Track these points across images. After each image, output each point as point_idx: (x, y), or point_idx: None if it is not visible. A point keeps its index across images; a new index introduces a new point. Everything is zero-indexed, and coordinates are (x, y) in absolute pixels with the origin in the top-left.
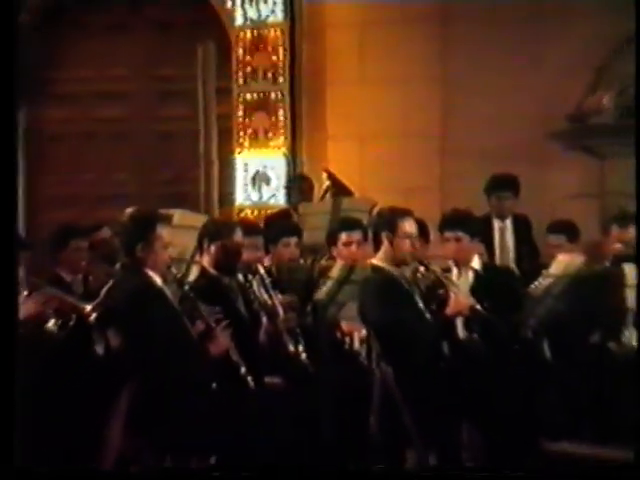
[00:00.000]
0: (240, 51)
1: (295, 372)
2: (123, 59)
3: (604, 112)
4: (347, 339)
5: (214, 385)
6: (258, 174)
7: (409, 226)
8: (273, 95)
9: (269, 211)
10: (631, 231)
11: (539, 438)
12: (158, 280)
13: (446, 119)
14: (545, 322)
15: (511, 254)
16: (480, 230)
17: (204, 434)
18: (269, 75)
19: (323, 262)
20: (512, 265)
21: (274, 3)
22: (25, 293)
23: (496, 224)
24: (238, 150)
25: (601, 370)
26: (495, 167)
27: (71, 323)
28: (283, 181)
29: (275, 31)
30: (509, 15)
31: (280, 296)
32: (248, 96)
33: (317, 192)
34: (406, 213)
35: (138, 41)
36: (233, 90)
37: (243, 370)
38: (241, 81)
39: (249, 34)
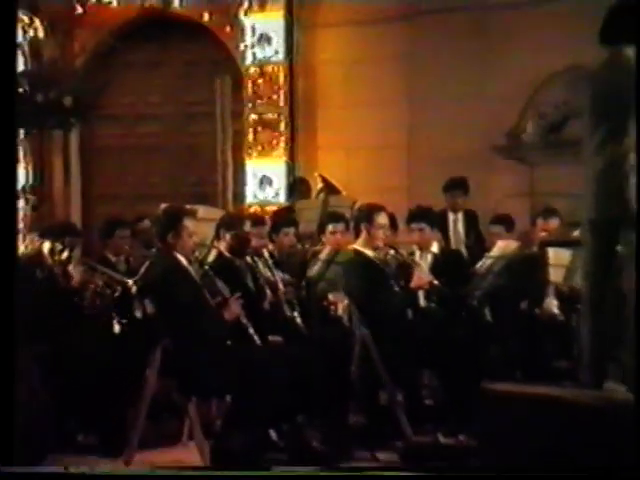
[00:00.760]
0: (250, 83)
1: (291, 332)
2: (157, 88)
3: (533, 131)
4: (333, 307)
5: (228, 342)
6: (264, 178)
7: (382, 219)
8: (275, 116)
9: (272, 208)
10: (553, 222)
11: (481, 380)
12: (184, 261)
13: (412, 133)
14: (487, 293)
15: (462, 240)
16: (438, 222)
17: (220, 379)
18: (272, 100)
19: (315, 247)
20: (463, 249)
21: (276, 46)
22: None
23: (450, 217)
24: (248, 159)
25: (528, 329)
26: (450, 172)
27: (116, 294)
28: (284, 183)
29: (277, 67)
30: (465, 49)
31: (280, 274)
32: (256, 117)
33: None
34: (380, 208)
35: (169, 74)
36: (244, 112)
37: (251, 330)
38: (250, 105)
39: (257, 70)
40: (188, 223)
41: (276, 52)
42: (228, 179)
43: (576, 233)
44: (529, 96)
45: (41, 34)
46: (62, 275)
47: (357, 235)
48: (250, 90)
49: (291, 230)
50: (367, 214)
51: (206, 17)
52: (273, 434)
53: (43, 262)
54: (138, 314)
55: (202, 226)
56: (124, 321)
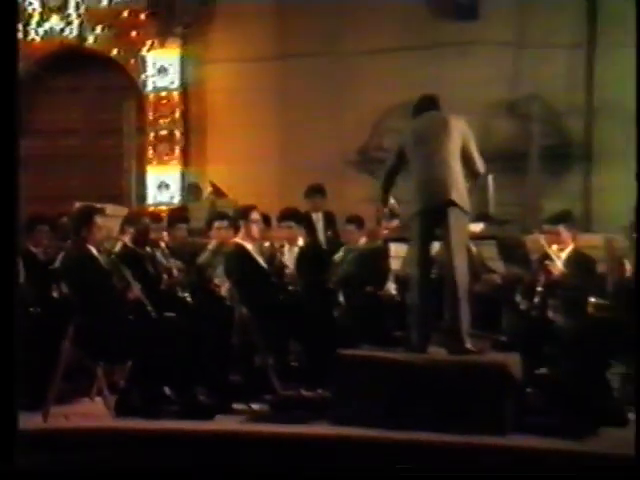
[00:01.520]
0: (150, 106)
1: (183, 309)
2: (75, 108)
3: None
4: (217, 289)
5: (130, 317)
6: (162, 183)
7: (255, 216)
8: (172, 133)
9: (169, 208)
10: (394, 222)
11: (336, 347)
12: (95, 251)
13: (282, 149)
14: (341, 278)
15: (322, 236)
16: (303, 221)
17: (123, 347)
18: (169, 121)
19: (203, 240)
20: (323, 243)
21: (172, 77)
22: None
23: (313, 217)
24: (149, 167)
25: (373, 307)
26: (312, 181)
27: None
28: (178, 188)
29: (173, 94)
30: (325, 84)
31: (174, 262)
32: (155, 133)
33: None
34: (253, 207)
35: (85, 97)
36: (146, 129)
37: (149, 308)
38: (151, 122)
39: (156, 95)
40: (98, 219)
41: (172, 82)
42: (132, 183)
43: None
44: (374, 123)
45: None
46: None
47: (236, 231)
48: (151, 112)
49: (184, 226)
50: (243, 212)
51: (115, 52)
52: (167, 390)
53: None
54: (55, 294)
55: (110, 222)
56: (44, 300)
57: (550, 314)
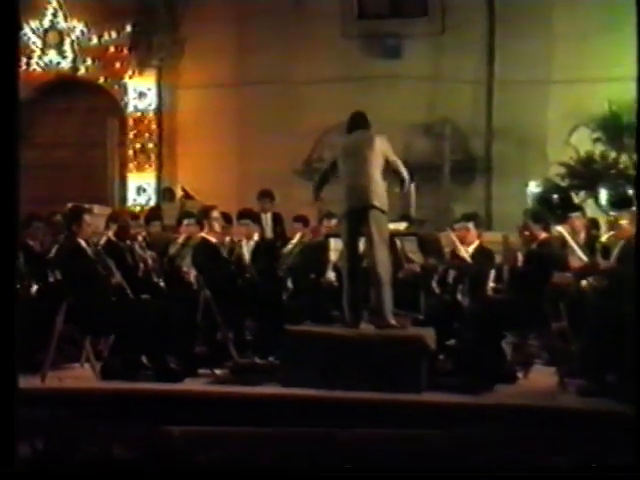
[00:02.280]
0: (131, 122)
1: (157, 292)
2: (67, 125)
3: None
4: (186, 276)
5: (113, 299)
6: (140, 187)
7: (215, 214)
8: (149, 146)
9: (146, 208)
10: (333, 221)
11: (283, 323)
12: (84, 244)
13: (240, 160)
14: (289, 268)
15: (269, 233)
16: (258, 220)
17: (107, 323)
18: (146, 136)
19: (174, 235)
20: (272, 238)
21: (150, 100)
22: None
23: (263, 217)
24: (129, 174)
25: (315, 291)
26: (265, 185)
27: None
28: (154, 191)
29: (150, 114)
30: (276, 106)
31: (150, 252)
32: (135, 146)
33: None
34: (213, 207)
35: (76, 116)
36: (127, 143)
37: (128, 291)
38: (132, 137)
39: (136, 115)
40: (86, 217)
41: (149, 104)
42: (115, 188)
43: None
44: (316, 139)
45: None
46: None
47: (202, 227)
48: (131, 129)
49: (158, 223)
50: (206, 212)
51: (102, 79)
52: (143, 358)
53: None
54: (51, 279)
55: (96, 220)
56: (40, 284)
57: (458, 296)
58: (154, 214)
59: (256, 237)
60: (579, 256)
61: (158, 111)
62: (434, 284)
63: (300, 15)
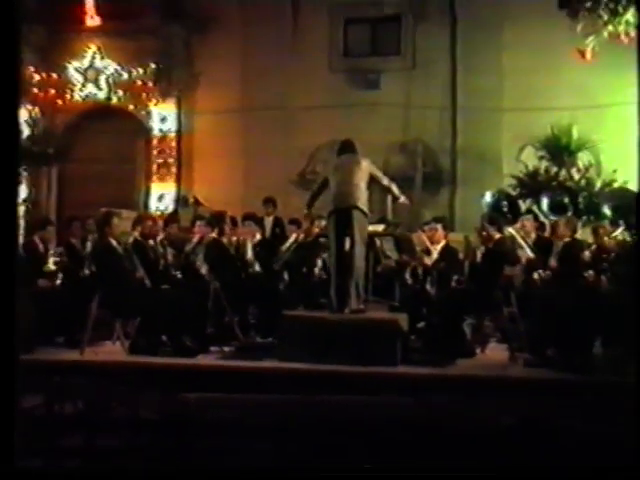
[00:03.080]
0: (155, 142)
1: (175, 283)
2: (102, 144)
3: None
4: (199, 270)
5: (138, 288)
6: (161, 195)
7: (226, 219)
8: (170, 161)
9: (166, 213)
10: (322, 224)
11: (281, 308)
12: (114, 242)
13: (246, 172)
14: (285, 262)
15: (269, 234)
16: (260, 223)
17: (134, 309)
18: (167, 153)
19: (189, 235)
20: (271, 238)
21: (171, 124)
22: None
23: (266, 220)
24: (152, 184)
25: (306, 282)
26: (266, 194)
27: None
28: (172, 199)
29: (171, 135)
30: (276, 128)
31: (169, 250)
32: (158, 161)
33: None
34: (225, 213)
35: (110, 136)
36: (152, 158)
37: (147, 282)
38: (155, 154)
39: (160, 136)
40: (116, 220)
41: (170, 127)
42: (140, 196)
43: None
44: (309, 155)
45: (38, 114)
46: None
47: (213, 229)
48: (155, 147)
49: (175, 225)
50: (217, 216)
51: (131, 107)
52: (164, 337)
53: None
54: (86, 272)
55: (125, 222)
56: (78, 276)
57: (427, 287)
58: (172, 218)
59: (258, 237)
60: (527, 253)
61: (177, 133)
62: (407, 276)
63: (295, 53)
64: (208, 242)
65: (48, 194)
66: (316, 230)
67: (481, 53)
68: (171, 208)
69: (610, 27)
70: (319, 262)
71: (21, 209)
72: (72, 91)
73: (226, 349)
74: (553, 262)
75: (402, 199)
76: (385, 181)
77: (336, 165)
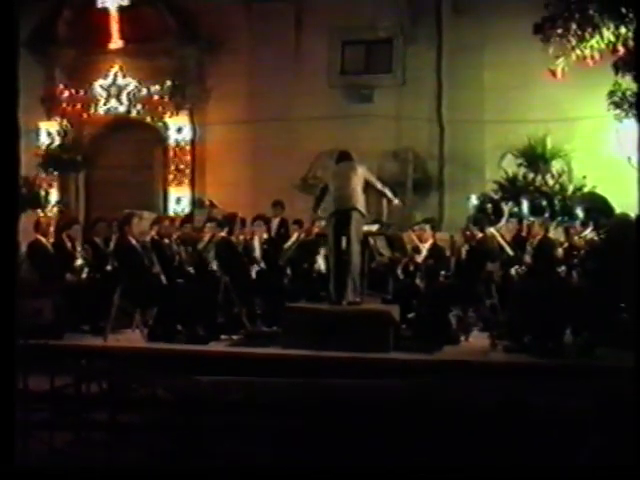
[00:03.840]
0: (171, 151)
1: (188, 277)
2: (124, 152)
3: (315, 178)
4: (210, 265)
5: (156, 282)
6: (178, 198)
7: (236, 220)
8: (184, 167)
9: (182, 214)
10: (323, 223)
11: (285, 301)
12: (134, 241)
13: (254, 178)
14: (288, 259)
15: (275, 233)
16: (268, 223)
17: (151, 299)
18: (183, 160)
19: (202, 234)
20: (276, 237)
21: (185, 133)
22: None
23: (274, 221)
24: (169, 188)
25: (307, 277)
26: (272, 197)
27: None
28: (188, 202)
29: (186, 144)
30: (280, 137)
31: (183, 248)
32: (174, 167)
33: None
34: (236, 215)
35: (131, 145)
36: (169, 165)
37: (163, 277)
38: (172, 162)
39: (175, 145)
40: (136, 220)
41: (185, 137)
42: (159, 199)
43: None
44: (311, 162)
45: (67, 126)
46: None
47: (223, 228)
48: (172, 155)
49: (189, 225)
50: (229, 218)
51: (149, 119)
52: (179, 326)
53: None
54: (109, 267)
55: (144, 223)
56: (102, 270)
57: (417, 281)
58: (187, 219)
59: (264, 236)
60: (507, 251)
61: (191, 142)
62: (399, 272)
63: (297, 71)
64: (218, 241)
65: (77, 198)
66: (316, 230)
67: (464, 71)
68: (188, 210)
69: (577, 51)
70: (319, 259)
71: (54, 211)
72: (96, 105)
73: (235, 337)
74: (527, 259)
75: (395, 201)
76: (379, 185)
77: (334, 172)
